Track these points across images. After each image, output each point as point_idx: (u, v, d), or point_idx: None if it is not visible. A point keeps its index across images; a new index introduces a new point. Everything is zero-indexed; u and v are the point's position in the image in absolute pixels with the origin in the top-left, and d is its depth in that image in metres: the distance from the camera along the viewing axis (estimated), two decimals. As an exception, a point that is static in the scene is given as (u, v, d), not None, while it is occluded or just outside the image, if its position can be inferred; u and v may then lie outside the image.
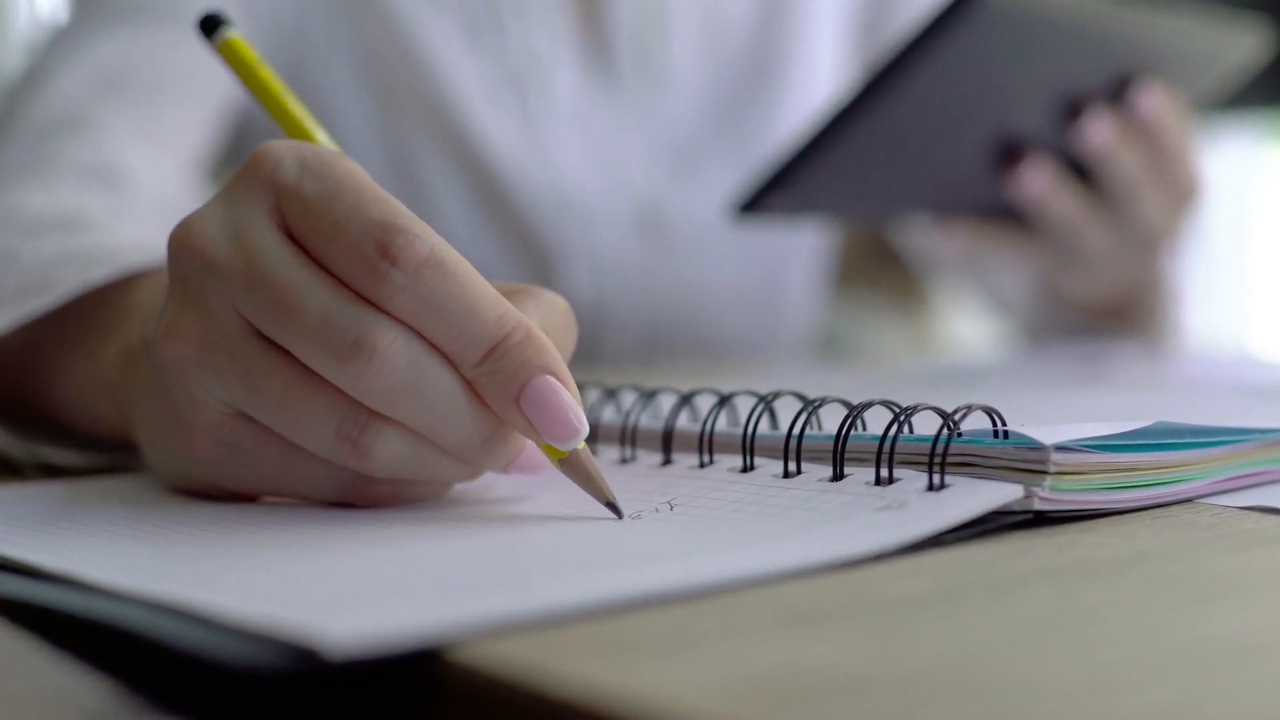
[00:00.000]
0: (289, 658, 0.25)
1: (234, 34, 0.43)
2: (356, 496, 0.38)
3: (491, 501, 0.40)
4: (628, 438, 0.44)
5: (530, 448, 0.38)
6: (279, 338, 0.35)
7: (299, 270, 0.35)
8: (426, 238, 0.35)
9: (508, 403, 0.35)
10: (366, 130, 0.83)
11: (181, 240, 0.37)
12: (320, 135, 0.41)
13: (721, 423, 0.43)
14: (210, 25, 0.43)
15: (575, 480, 0.37)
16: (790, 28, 0.91)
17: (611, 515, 0.37)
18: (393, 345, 0.34)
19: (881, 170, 0.71)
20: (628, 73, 0.86)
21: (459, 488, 0.41)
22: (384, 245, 0.34)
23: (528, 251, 0.85)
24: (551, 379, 0.35)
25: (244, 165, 0.37)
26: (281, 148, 0.36)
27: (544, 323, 0.38)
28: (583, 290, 0.86)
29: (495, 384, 0.35)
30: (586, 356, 0.86)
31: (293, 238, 0.36)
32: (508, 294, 0.39)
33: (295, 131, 0.41)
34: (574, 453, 0.37)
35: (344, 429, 0.36)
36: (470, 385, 0.36)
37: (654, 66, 0.87)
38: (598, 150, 0.86)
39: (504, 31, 0.83)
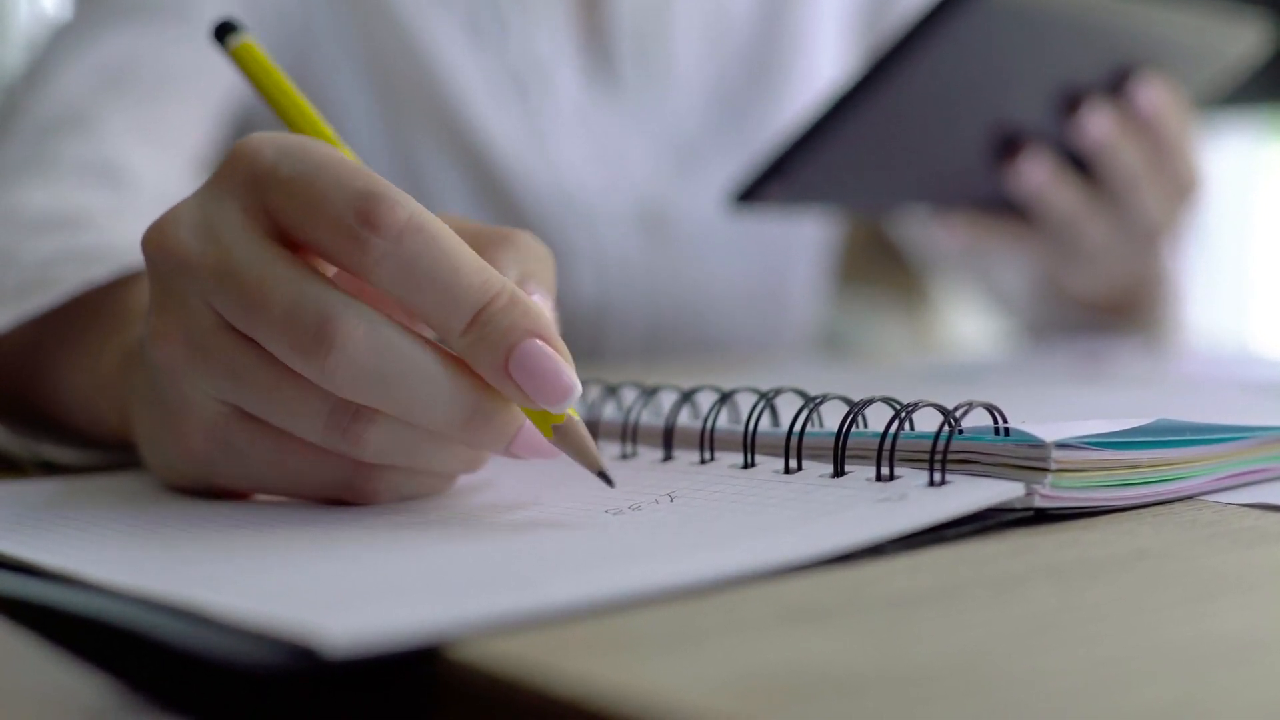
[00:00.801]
0: (288, 656, 0.25)
1: (248, 39, 0.43)
2: (352, 493, 0.38)
3: (491, 501, 0.40)
4: (628, 434, 0.44)
5: (527, 428, 0.37)
6: (250, 333, 0.35)
7: (269, 266, 0.35)
8: (406, 204, 0.34)
9: (497, 369, 0.35)
10: (370, 130, 0.83)
11: (155, 241, 0.37)
12: (332, 138, 0.41)
13: (722, 420, 0.43)
14: (224, 31, 0.43)
15: (567, 451, 0.36)
16: (792, 25, 0.91)
17: (604, 484, 0.36)
18: (355, 334, 0.34)
19: (880, 161, 0.71)
20: (630, 72, 0.86)
21: (459, 485, 0.41)
22: (365, 213, 0.34)
23: (532, 251, 0.85)
24: (538, 342, 0.35)
25: (223, 162, 0.37)
26: (258, 139, 0.36)
27: (525, 270, 0.38)
28: (586, 289, 0.86)
29: (482, 351, 0.35)
30: (589, 355, 0.86)
31: (279, 227, 0.36)
32: (483, 238, 0.38)
33: (310, 135, 0.41)
34: (567, 422, 0.36)
35: (335, 418, 0.36)
36: (448, 363, 0.35)
37: (656, 65, 0.87)
38: (600, 149, 0.86)
39: (506, 31, 0.83)
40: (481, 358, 0.35)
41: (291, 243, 0.36)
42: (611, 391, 0.47)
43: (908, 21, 0.65)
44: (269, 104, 0.42)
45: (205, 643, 0.26)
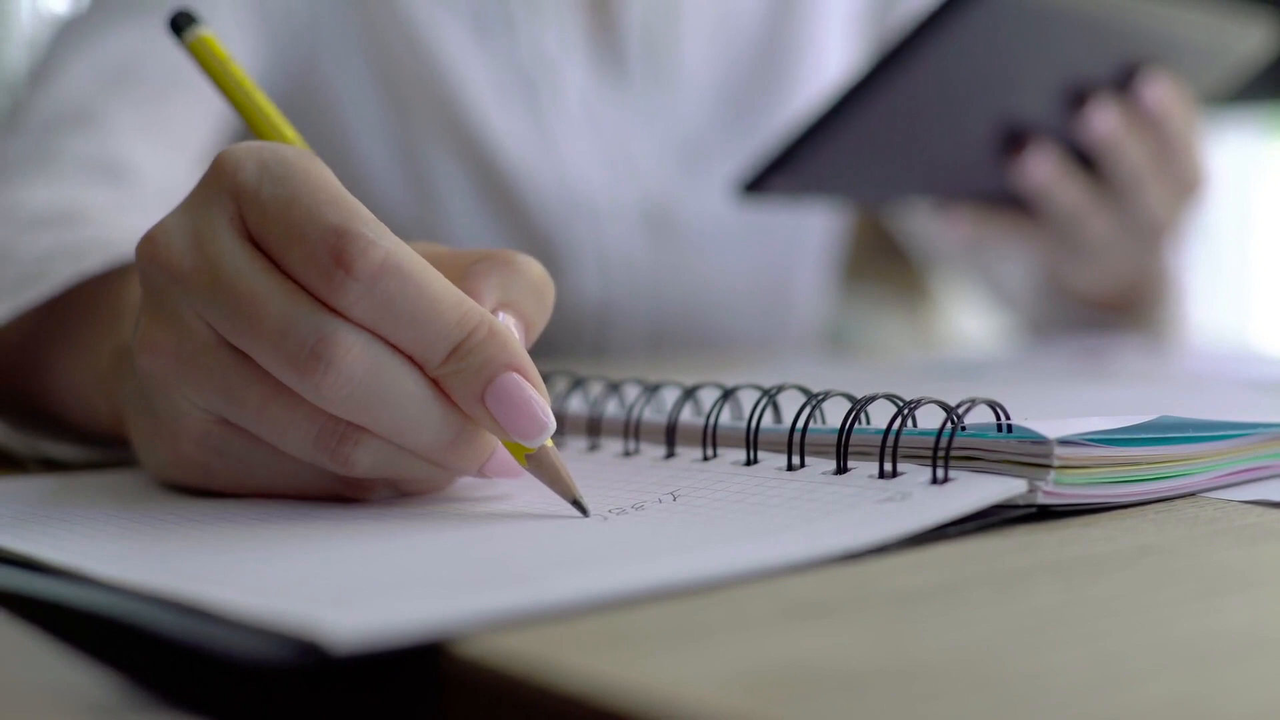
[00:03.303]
0: (293, 652, 0.25)
1: (205, 32, 0.42)
2: (350, 493, 0.38)
3: (494, 499, 0.40)
4: (631, 431, 0.44)
5: (500, 451, 0.37)
6: (243, 347, 0.35)
7: (260, 278, 0.35)
8: (382, 242, 0.34)
9: (473, 401, 0.35)
10: (377, 128, 0.83)
11: (148, 253, 0.36)
12: (290, 134, 0.41)
13: (725, 417, 0.43)
14: (181, 23, 0.42)
15: (541, 479, 0.37)
16: (800, 25, 0.91)
17: (578, 514, 0.36)
18: (350, 353, 0.34)
19: (886, 153, 0.71)
20: (638, 71, 0.86)
21: (462, 483, 0.41)
22: (338, 252, 0.34)
23: (535, 249, 0.85)
24: (515, 376, 0.35)
25: (207, 172, 0.36)
26: (242, 151, 0.36)
27: (509, 294, 0.38)
28: (590, 288, 0.86)
29: (459, 383, 0.35)
30: (593, 353, 0.86)
31: (257, 243, 0.35)
32: (475, 263, 0.38)
33: (267, 132, 0.41)
34: (541, 450, 0.36)
35: (322, 438, 0.35)
36: (436, 385, 0.35)
37: (664, 65, 0.87)
38: (607, 148, 0.86)
39: (514, 30, 0.83)
40: (458, 389, 0.35)
41: (271, 260, 0.35)
42: (614, 388, 0.47)
43: (916, 15, 0.65)
44: (227, 101, 0.42)
45: (210, 638, 0.26)
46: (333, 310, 0.34)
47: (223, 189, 0.36)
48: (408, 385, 0.35)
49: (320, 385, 0.34)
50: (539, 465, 0.36)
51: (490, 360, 0.35)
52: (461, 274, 0.38)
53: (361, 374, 0.34)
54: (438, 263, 0.37)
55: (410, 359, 0.35)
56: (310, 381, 0.34)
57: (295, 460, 0.37)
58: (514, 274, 0.38)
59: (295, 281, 0.35)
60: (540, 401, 0.35)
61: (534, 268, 0.39)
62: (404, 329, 0.34)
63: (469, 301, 0.35)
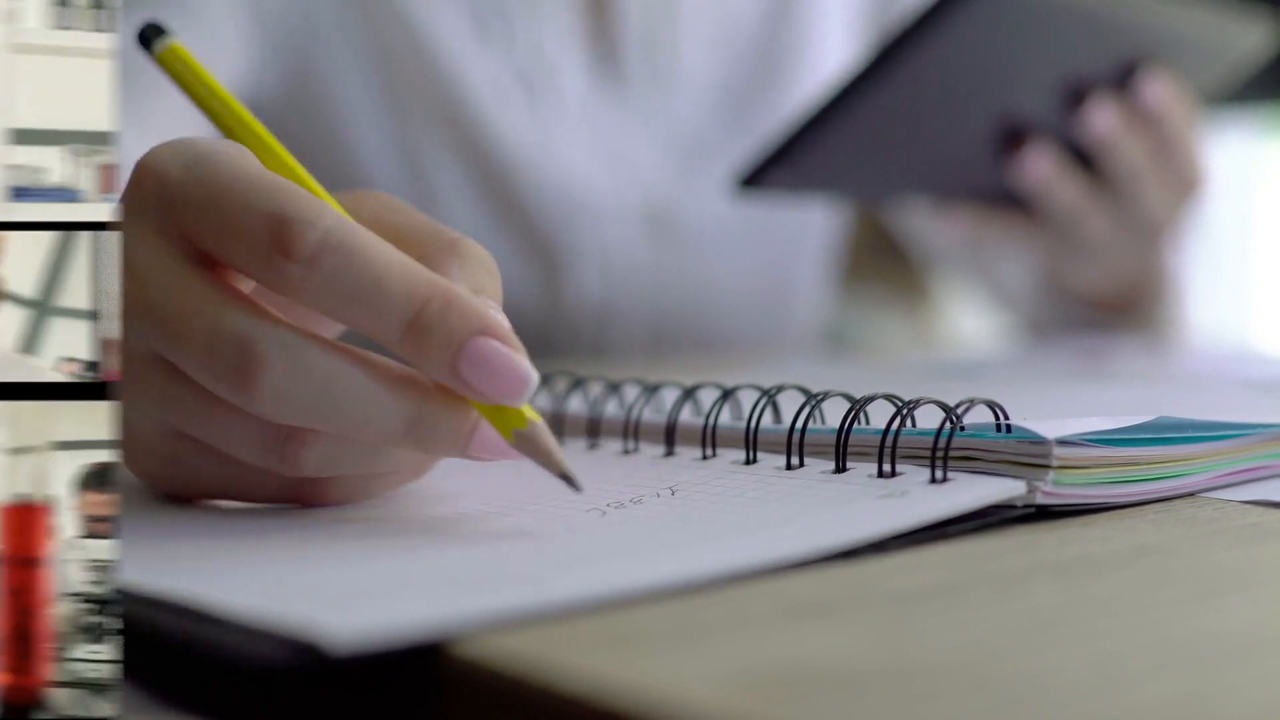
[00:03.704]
0: (292, 653, 0.25)
1: (175, 42, 0.42)
2: (305, 499, 0.37)
3: (492, 501, 0.40)
4: (630, 431, 0.44)
5: (484, 429, 0.36)
6: (176, 363, 0.34)
7: (186, 292, 0.34)
8: (319, 222, 0.33)
9: (448, 374, 0.34)
10: (376, 130, 0.83)
11: None
12: (265, 138, 0.40)
13: (724, 416, 0.43)
14: (150, 35, 0.42)
15: (531, 456, 0.35)
16: (799, 24, 0.91)
17: (570, 488, 0.35)
18: (275, 362, 0.33)
19: (885, 150, 0.71)
20: (636, 71, 0.86)
21: (461, 487, 0.40)
22: (275, 238, 0.33)
23: (536, 250, 0.85)
24: (484, 339, 0.33)
25: (129, 182, 0.35)
26: (162, 155, 0.35)
27: (473, 280, 0.37)
28: (591, 289, 0.86)
29: (427, 359, 0.34)
30: (592, 353, 0.86)
31: (197, 247, 0.34)
32: (429, 244, 0.37)
33: (241, 138, 0.41)
34: (530, 427, 0.35)
35: (267, 442, 0.35)
36: (379, 376, 0.34)
37: (663, 65, 0.87)
38: (606, 149, 0.86)
39: (512, 30, 0.83)
40: (428, 366, 0.34)
41: (212, 260, 0.35)
42: (614, 389, 0.47)
43: (916, 10, 0.65)
44: (200, 109, 0.41)
45: (210, 640, 0.26)
46: (266, 314, 0.34)
47: (149, 198, 0.35)
48: (345, 381, 0.34)
49: (250, 398, 0.33)
50: (526, 442, 0.35)
51: (454, 330, 0.33)
52: (425, 259, 0.36)
53: (289, 380, 0.33)
54: (413, 232, 0.37)
55: (357, 350, 0.34)
56: (241, 395, 0.33)
57: (248, 469, 0.36)
58: (475, 261, 0.37)
59: (233, 281, 0.34)
60: (516, 357, 0.34)
61: (486, 253, 0.38)
62: (354, 308, 0.33)
63: (423, 273, 0.34)
